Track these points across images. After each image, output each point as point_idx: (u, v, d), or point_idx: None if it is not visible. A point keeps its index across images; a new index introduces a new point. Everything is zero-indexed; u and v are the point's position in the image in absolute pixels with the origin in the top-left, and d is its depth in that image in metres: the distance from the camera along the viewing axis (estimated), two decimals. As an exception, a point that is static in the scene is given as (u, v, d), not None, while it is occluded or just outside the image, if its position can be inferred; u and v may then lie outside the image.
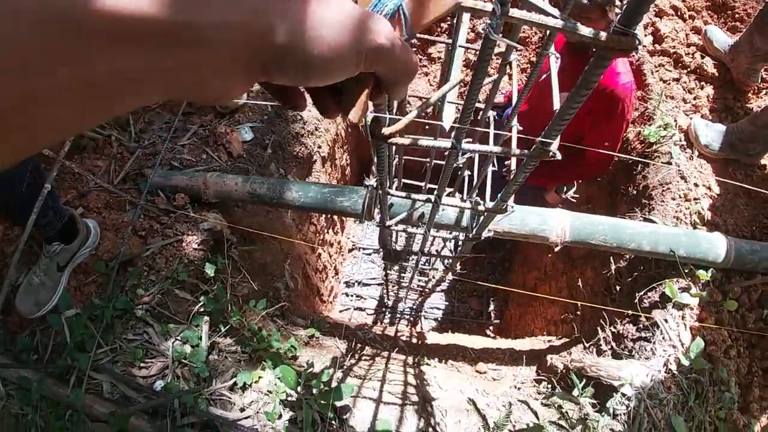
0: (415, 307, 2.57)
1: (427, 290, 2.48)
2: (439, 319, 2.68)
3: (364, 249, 2.86)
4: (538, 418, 1.27)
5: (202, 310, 1.30)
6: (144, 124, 1.63)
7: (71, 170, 1.46)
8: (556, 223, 1.26)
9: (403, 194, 0.91)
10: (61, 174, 1.45)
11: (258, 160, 1.58)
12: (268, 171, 1.61)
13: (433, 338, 1.69)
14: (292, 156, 1.68)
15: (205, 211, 1.43)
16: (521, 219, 1.25)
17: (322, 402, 1.15)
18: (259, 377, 1.24)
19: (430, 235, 1.14)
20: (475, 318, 2.65)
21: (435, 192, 0.82)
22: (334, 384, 1.21)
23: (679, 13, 1.85)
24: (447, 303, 2.80)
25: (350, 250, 2.90)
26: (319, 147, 1.80)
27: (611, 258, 1.55)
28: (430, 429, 1.17)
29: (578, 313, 1.62)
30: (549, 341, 1.62)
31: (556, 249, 1.27)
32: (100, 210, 1.44)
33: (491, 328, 2.65)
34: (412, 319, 2.63)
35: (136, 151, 1.51)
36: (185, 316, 1.28)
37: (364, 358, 1.52)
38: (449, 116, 0.97)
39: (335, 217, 2.36)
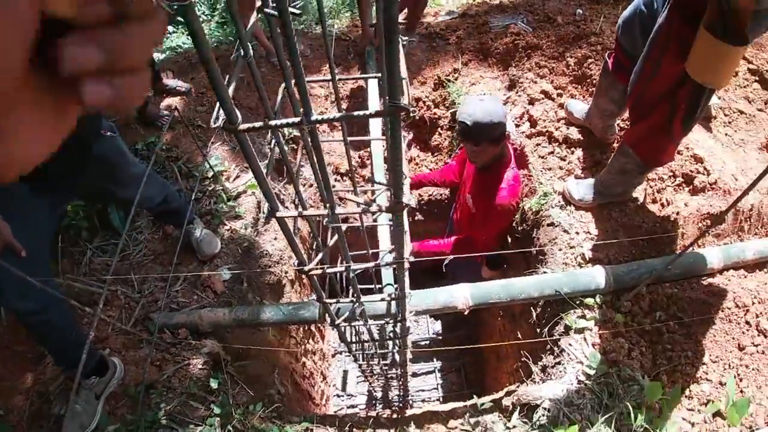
0: (401, 393, 3.31)
1: (400, 374, 3.24)
2: (426, 399, 3.43)
3: (345, 352, 3.70)
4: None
5: (212, 414, 2.11)
6: (142, 276, 2.54)
7: (91, 319, 2.35)
8: (459, 295, 2.12)
9: (334, 300, 1.78)
10: (82, 323, 2.33)
11: (237, 293, 2.47)
12: (247, 300, 2.48)
13: (410, 411, 2.45)
14: (265, 284, 2.57)
15: (203, 339, 2.30)
16: (434, 297, 2.11)
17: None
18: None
19: (369, 325, 1.98)
20: (456, 391, 3.41)
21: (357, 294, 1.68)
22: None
23: (548, 96, 2.87)
24: (429, 385, 3.61)
25: (333, 355, 3.72)
26: (286, 272, 2.70)
27: (531, 308, 2.39)
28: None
29: (522, 360, 2.40)
30: (505, 390, 2.39)
31: (466, 312, 2.12)
32: (119, 350, 2.28)
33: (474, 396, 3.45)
34: (401, 405, 3.35)
35: (141, 300, 2.41)
36: (200, 420, 2.08)
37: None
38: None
39: (312, 328, 3.21)
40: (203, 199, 2.74)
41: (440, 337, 4.08)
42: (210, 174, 2.80)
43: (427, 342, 4.09)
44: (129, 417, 2.07)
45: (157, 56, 3.83)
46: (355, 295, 1.61)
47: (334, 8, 4.12)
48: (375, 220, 2.07)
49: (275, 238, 2.73)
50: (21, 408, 2.13)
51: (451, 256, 2.77)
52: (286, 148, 1.03)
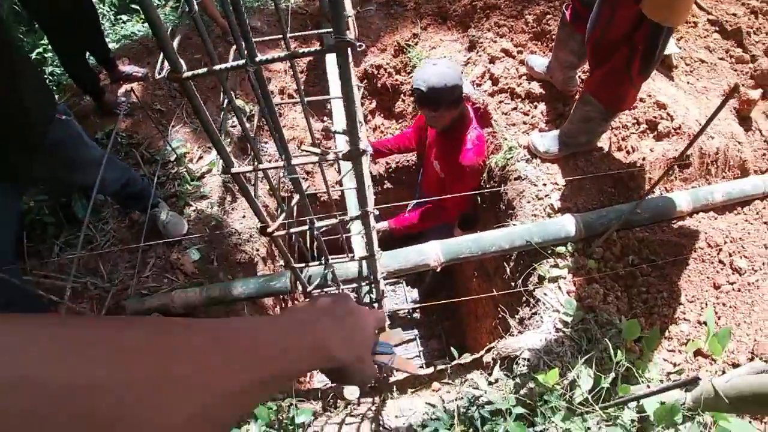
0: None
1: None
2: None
3: None
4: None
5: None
6: (111, 266, 2.49)
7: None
8: (430, 252, 2.10)
9: (303, 265, 1.75)
10: None
11: (209, 273, 2.44)
12: (218, 280, 2.45)
13: (393, 378, 2.44)
14: (236, 263, 2.53)
15: (177, 321, 2.26)
16: (405, 256, 2.10)
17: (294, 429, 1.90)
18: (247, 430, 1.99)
19: (343, 290, 1.96)
20: (438, 357, 3.43)
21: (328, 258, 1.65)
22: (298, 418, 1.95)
23: (509, 54, 2.86)
24: (412, 352, 3.65)
25: None
26: (257, 250, 2.66)
27: (504, 263, 2.39)
28: (381, 428, 1.92)
29: (500, 316, 2.41)
30: (486, 348, 2.39)
31: (438, 269, 2.11)
32: None
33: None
34: (383, 373, 3.38)
35: (111, 290, 2.36)
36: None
37: (336, 405, 2.26)
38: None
39: (290, 302, 3.18)
40: (167, 183, 2.68)
41: (417, 305, 4.14)
42: (173, 157, 2.74)
43: (406, 312, 4.13)
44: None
45: (112, 45, 3.74)
46: (324, 258, 1.59)
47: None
48: (342, 188, 2.05)
49: (244, 217, 2.69)
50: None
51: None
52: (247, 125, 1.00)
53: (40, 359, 0.30)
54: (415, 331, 4.04)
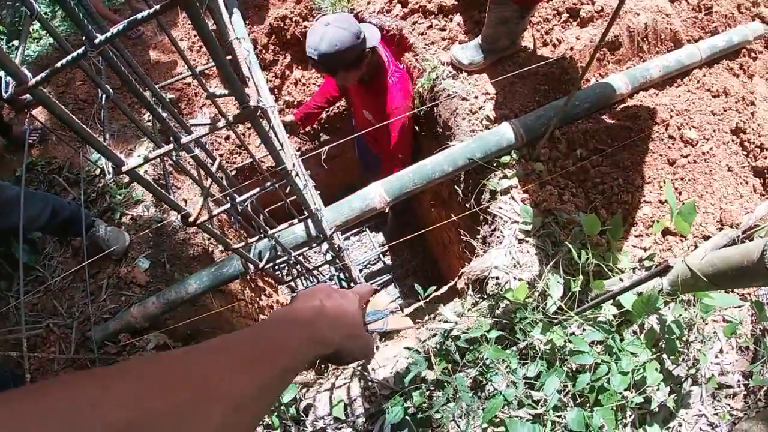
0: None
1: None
2: (394, 311, 3.49)
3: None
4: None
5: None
6: (68, 300, 2.42)
7: (37, 363, 2.24)
8: (374, 194, 2.03)
9: (242, 244, 1.68)
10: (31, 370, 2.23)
11: (164, 277, 2.37)
12: (176, 281, 2.39)
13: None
14: (190, 258, 2.46)
15: (146, 335, 2.21)
16: (349, 206, 2.03)
17: (285, 410, 1.89)
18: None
19: (297, 255, 1.90)
20: (416, 294, 3.46)
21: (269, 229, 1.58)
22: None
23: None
24: (391, 295, 3.68)
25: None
26: (209, 238, 2.59)
27: (455, 186, 2.33)
28: (370, 382, 1.91)
29: (464, 240, 2.38)
30: (459, 274, 2.37)
31: (387, 210, 2.05)
32: None
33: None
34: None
35: (72, 324, 2.30)
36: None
37: (323, 368, 2.26)
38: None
39: (260, 283, 3.14)
40: (98, 199, 2.57)
41: (384, 247, 4.13)
42: (97, 171, 2.62)
43: (375, 258, 4.13)
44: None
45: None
46: (261, 230, 1.54)
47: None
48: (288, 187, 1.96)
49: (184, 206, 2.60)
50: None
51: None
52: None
53: None
54: (390, 275, 4.06)
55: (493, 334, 1.74)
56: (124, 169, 0.87)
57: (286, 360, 0.56)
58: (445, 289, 2.23)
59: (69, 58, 0.66)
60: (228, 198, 1.26)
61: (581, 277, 1.74)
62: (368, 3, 2.66)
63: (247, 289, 2.81)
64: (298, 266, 2.11)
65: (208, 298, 2.40)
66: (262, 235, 1.58)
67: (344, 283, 2.53)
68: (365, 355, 0.80)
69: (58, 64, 0.66)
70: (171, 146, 0.93)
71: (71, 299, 2.39)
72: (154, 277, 2.35)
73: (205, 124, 0.96)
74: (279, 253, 1.91)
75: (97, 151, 0.82)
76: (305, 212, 1.53)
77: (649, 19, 2.35)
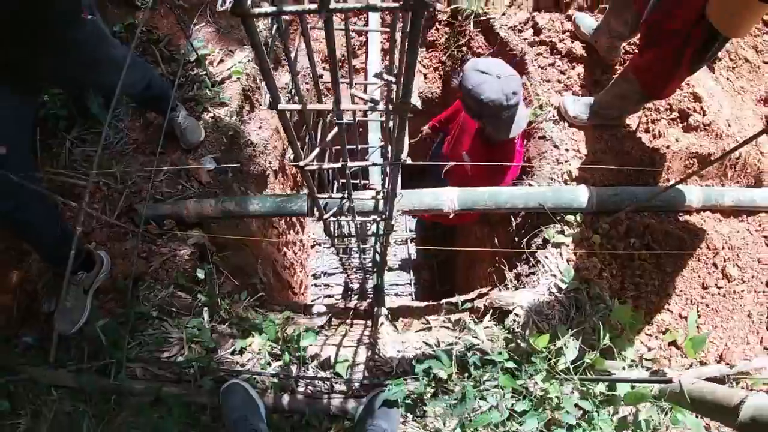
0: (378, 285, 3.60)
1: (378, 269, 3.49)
2: (399, 293, 3.73)
3: (324, 243, 3.91)
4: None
5: (200, 305, 2.25)
6: (123, 166, 2.54)
7: (74, 212, 2.37)
8: (446, 198, 2.21)
9: (326, 195, 1.84)
10: (65, 217, 2.36)
11: (223, 183, 2.52)
12: (232, 191, 2.54)
13: (387, 304, 2.65)
14: (249, 175, 2.61)
15: (189, 230, 2.37)
16: (420, 199, 2.21)
17: (296, 347, 2.10)
18: (251, 343, 2.18)
19: (357, 221, 2.08)
20: (429, 287, 3.70)
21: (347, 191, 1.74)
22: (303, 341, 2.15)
23: (557, 5, 2.80)
24: (403, 279, 3.92)
25: (312, 246, 3.93)
26: (270, 163, 2.73)
27: (512, 218, 2.52)
28: (376, 356, 2.13)
29: (497, 265, 2.59)
30: (478, 292, 2.59)
31: (451, 216, 2.24)
32: (104, 242, 2.35)
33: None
34: (375, 299, 3.67)
35: (124, 191, 2.43)
36: (189, 310, 2.21)
37: (331, 325, 2.47)
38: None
39: (294, 219, 3.32)
40: (186, 85, 2.67)
41: (414, 234, 4.31)
42: (193, 57, 2.71)
43: (402, 240, 4.32)
44: (118, 310, 2.17)
45: None
46: (347, 192, 1.67)
47: None
48: (365, 115, 2.09)
49: (260, 128, 2.73)
50: (8, 307, 2.20)
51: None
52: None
53: None
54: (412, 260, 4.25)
55: (510, 364, 1.97)
56: (280, 107, 0.95)
57: None
58: (462, 299, 2.44)
59: (302, 8, 0.70)
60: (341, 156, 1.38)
61: (597, 353, 1.96)
62: (503, 14, 2.76)
63: (282, 220, 2.98)
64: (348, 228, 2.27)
65: (253, 219, 2.57)
66: (344, 197, 1.73)
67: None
68: None
69: (287, 8, 0.69)
70: (331, 106, 1.03)
71: (127, 166, 2.50)
72: (214, 179, 2.49)
73: (367, 100, 1.07)
74: (344, 212, 2.08)
75: (266, 82, 0.87)
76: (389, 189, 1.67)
77: (744, 149, 2.53)
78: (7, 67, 1.69)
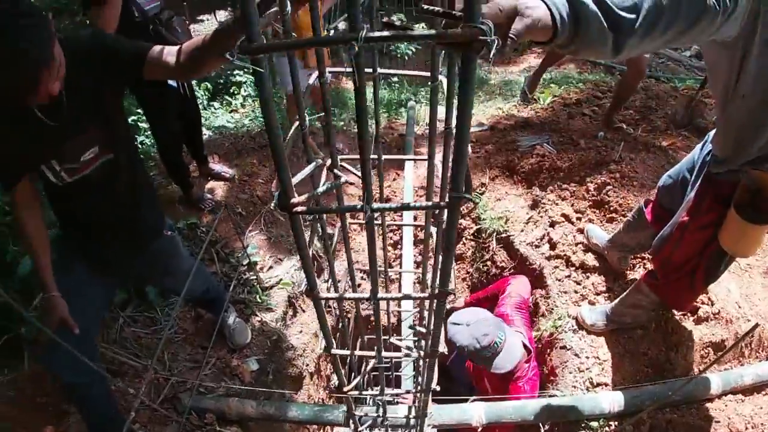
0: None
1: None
2: None
3: None
4: None
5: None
6: (171, 355, 2.77)
7: (120, 390, 2.53)
8: (474, 413, 2.37)
9: (356, 393, 2.00)
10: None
11: (264, 384, 2.71)
12: (271, 389, 2.73)
13: None
14: (288, 377, 2.81)
15: (228, 426, 2.52)
16: (449, 414, 2.36)
17: None
18: None
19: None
20: None
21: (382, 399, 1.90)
22: None
23: (568, 219, 3.18)
24: None
25: None
26: (307, 365, 2.94)
27: (540, 425, 2.61)
28: None
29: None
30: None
31: (479, 430, 2.36)
32: (146, 424, 2.47)
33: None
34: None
35: (171, 379, 2.63)
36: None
37: None
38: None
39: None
40: (237, 287, 3.01)
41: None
42: (245, 261, 3.09)
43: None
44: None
45: (206, 134, 4.16)
46: (379, 392, 1.80)
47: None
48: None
49: (300, 332, 2.99)
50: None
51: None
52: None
53: None
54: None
55: None
56: (319, 296, 0.94)
57: None
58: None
59: (347, 207, 0.79)
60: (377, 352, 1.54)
61: None
62: (521, 231, 3.13)
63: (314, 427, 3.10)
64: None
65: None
66: (378, 402, 1.89)
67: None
68: None
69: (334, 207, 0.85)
70: (367, 295, 0.96)
71: (175, 355, 2.73)
72: (256, 380, 2.69)
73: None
74: (379, 423, 2.20)
75: (304, 269, 0.88)
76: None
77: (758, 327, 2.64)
78: (108, 264, 2.06)
